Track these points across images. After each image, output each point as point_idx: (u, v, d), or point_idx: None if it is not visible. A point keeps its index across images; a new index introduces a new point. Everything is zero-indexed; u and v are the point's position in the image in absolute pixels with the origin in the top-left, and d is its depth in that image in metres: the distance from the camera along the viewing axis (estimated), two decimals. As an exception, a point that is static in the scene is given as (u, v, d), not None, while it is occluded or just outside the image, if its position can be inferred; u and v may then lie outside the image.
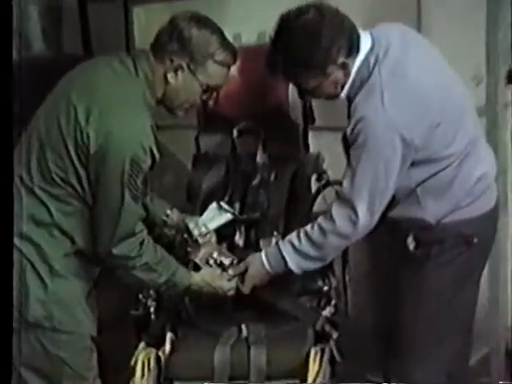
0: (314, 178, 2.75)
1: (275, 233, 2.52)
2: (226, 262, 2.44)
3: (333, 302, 2.47)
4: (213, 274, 2.39)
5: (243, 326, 2.39)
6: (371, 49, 2.24)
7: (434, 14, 2.79)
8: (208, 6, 2.59)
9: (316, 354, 2.28)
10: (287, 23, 2.24)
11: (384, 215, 2.29)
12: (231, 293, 2.40)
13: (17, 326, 2.13)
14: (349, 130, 2.22)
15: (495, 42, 2.90)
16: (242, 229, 2.59)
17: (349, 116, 2.27)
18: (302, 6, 2.24)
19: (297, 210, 2.62)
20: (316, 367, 2.25)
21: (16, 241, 2.13)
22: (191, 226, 2.51)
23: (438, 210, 2.31)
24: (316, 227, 2.30)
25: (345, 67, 2.23)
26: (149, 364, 2.30)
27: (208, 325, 2.43)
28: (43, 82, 2.20)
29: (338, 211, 2.27)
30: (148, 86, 2.18)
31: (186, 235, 2.52)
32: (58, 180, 2.13)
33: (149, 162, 2.11)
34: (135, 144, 2.08)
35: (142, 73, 2.17)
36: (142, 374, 2.28)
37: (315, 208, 2.68)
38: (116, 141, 2.06)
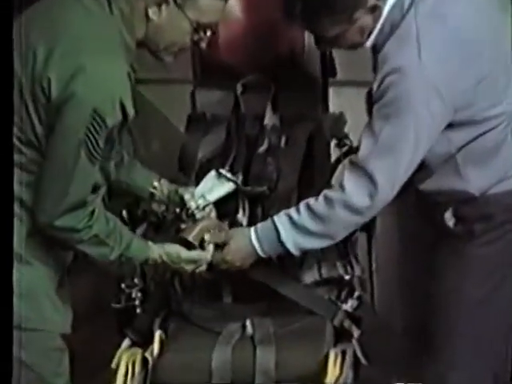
0: (333, 143, 2.58)
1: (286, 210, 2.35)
2: None
3: (356, 294, 2.36)
4: (178, 246, 2.28)
5: (248, 322, 2.28)
6: None
7: None
8: None
9: (336, 356, 2.17)
10: None
11: (415, 188, 2.22)
12: (201, 269, 2.27)
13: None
14: (375, 85, 2.11)
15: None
16: (246, 204, 2.44)
17: (374, 68, 2.17)
18: None
19: (313, 183, 2.47)
20: (336, 372, 2.15)
21: None
22: (187, 197, 2.36)
23: (483, 180, 2.22)
24: (321, 197, 2.20)
25: (375, 10, 2.12)
26: (133, 367, 2.21)
27: (205, 320, 2.34)
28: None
29: (351, 180, 2.17)
30: (125, 25, 2.05)
31: (178, 210, 2.38)
32: (17, 143, 2.00)
33: (117, 117, 1.98)
34: (102, 92, 1.95)
35: (118, 9, 2.04)
36: (125, 380, 2.18)
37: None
38: (79, 87, 1.92)
